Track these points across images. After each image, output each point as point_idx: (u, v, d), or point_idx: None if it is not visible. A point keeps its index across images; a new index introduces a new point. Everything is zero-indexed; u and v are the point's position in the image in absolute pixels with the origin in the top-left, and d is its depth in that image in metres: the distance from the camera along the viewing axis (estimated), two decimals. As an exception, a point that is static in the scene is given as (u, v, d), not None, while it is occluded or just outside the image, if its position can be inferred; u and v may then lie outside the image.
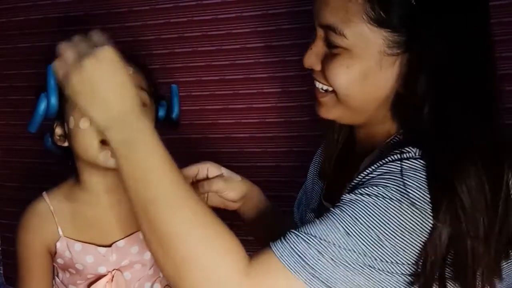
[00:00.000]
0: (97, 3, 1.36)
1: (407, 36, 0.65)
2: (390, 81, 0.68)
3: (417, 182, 0.60)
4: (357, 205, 0.61)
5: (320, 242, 0.60)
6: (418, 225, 0.59)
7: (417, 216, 0.59)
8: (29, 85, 1.48)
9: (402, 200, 0.60)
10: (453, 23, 0.65)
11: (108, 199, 0.87)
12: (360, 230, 0.60)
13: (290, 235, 0.62)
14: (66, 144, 0.85)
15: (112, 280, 0.85)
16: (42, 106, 0.79)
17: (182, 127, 1.27)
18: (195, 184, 0.87)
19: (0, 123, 1.57)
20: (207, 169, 0.88)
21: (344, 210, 0.62)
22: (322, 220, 0.63)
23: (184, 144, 1.36)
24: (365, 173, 0.66)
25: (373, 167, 0.65)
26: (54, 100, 0.78)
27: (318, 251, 0.60)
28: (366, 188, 0.63)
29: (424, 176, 0.61)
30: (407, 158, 0.63)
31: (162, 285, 0.91)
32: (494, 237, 0.61)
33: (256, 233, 0.96)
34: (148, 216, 0.62)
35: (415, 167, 0.62)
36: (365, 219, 0.60)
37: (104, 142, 0.78)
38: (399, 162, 0.63)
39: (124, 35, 1.32)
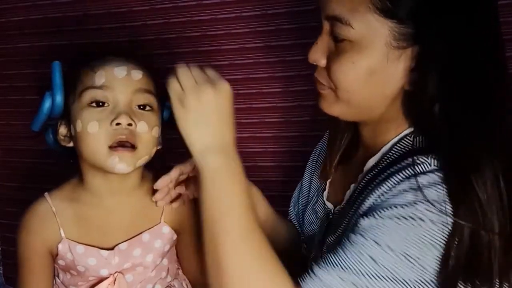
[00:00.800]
0: (97, 3, 1.36)
1: (414, 29, 0.64)
2: (396, 77, 0.67)
3: (437, 197, 0.60)
4: (380, 231, 0.61)
5: (350, 275, 0.60)
6: (443, 238, 0.60)
7: (441, 231, 0.59)
8: (29, 85, 1.48)
9: (424, 218, 0.60)
10: (465, 17, 0.63)
11: (112, 201, 0.86)
12: (389, 257, 0.60)
13: (318, 270, 0.62)
14: (71, 144, 0.84)
15: (114, 283, 0.84)
16: (47, 104, 0.78)
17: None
18: (193, 179, 0.86)
19: (0, 123, 1.57)
20: None
21: (368, 237, 0.61)
22: (347, 249, 0.62)
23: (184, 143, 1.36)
24: (377, 185, 0.65)
25: (387, 185, 0.64)
26: (59, 99, 0.77)
27: (353, 283, 0.60)
28: (385, 210, 0.62)
29: (444, 189, 0.60)
30: (423, 173, 0.62)
31: (163, 286, 0.91)
32: (509, 231, 0.61)
33: None
34: (215, 241, 0.64)
35: (433, 182, 0.61)
36: (391, 244, 0.60)
37: (112, 147, 0.77)
38: (415, 179, 0.62)
39: (124, 35, 1.32)
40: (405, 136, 0.70)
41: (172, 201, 0.89)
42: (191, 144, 0.68)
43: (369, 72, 0.66)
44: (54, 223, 0.85)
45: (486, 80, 0.64)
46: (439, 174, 0.61)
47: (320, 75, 0.72)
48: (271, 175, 1.28)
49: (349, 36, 0.66)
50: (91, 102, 0.78)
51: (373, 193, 0.65)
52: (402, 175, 0.63)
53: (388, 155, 0.71)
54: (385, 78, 0.67)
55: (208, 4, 1.26)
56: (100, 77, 0.78)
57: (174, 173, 0.85)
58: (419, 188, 0.61)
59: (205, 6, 1.27)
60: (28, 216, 0.87)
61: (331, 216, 0.79)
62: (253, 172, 1.19)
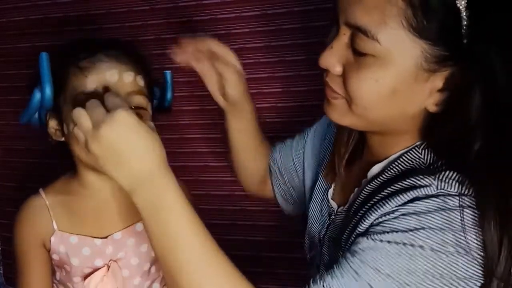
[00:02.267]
0: (97, 3, 1.36)
1: (450, 52, 0.58)
2: (421, 98, 0.62)
3: (442, 224, 0.57)
4: (380, 255, 0.58)
5: None
6: (446, 268, 0.57)
7: (449, 261, 0.57)
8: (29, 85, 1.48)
9: (425, 246, 0.57)
10: None
11: (105, 192, 0.87)
12: (387, 284, 0.58)
13: None
14: (62, 139, 0.84)
15: (108, 270, 0.85)
16: (37, 97, 0.78)
17: (182, 127, 1.28)
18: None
19: (0, 123, 1.57)
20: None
21: (367, 261, 0.59)
22: (344, 272, 0.60)
23: (184, 143, 1.36)
24: (380, 196, 0.63)
25: (390, 204, 0.61)
26: (49, 91, 0.77)
27: None
28: (385, 234, 0.59)
29: (453, 215, 0.57)
30: (428, 196, 0.59)
31: (161, 284, 0.91)
32: None
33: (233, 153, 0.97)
34: (177, 282, 0.61)
35: (437, 207, 0.58)
36: (390, 272, 0.58)
37: None
38: (418, 202, 0.59)
39: (124, 35, 1.32)
40: (414, 147, 0.66)
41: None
42: (118, 182, 0.63)
43: (393, 91, 0.61)
44: (47, 216, 0.86)
45: None
46: (445, 199, 0.58)
47: (334, 82, 0.66)
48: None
49: (373, 52, 0.59)
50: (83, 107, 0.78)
51: (375, 211, 0.62)
52: (405, 196, 0.60)
53: (394, 165, 0.68)
54: (408, 98, 0.62)
55: (208, 4, 1.27)
56: (91, 82, 0.77)
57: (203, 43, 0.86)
58: (422, 213, 0.58)
59: (205, 6, 1.27)
60: (23, 210, 0.88)
61: (333, 216, 0.79)
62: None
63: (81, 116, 0.64)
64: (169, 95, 0.91)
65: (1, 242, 1.65)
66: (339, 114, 0.67)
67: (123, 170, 0.62)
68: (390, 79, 0.60)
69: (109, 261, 0.85)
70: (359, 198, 0.70)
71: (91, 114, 0.64)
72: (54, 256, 0.86)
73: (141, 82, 0.82)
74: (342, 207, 0.77)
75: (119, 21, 1.34)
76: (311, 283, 0.61)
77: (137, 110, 0.79)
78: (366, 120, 0.65)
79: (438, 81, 0.60)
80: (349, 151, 0.78)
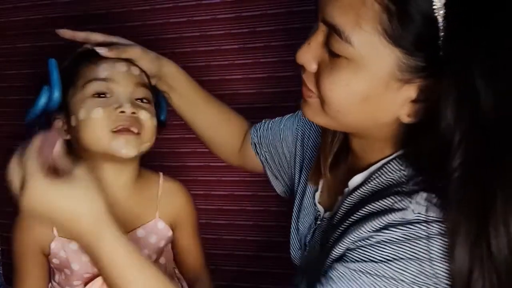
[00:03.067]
0: (97, 3, 1.36)
1: (426, 62, 0.55)
2: (394, 107, 0.59)
3: (419, 253, 0.55)
4: (352, 285, 0.57)
5: None
6: None
7: None
8: (29, 85, 1.48)
9: (403, 278, 0.55)
10: (499, 57, 0.53)
11: (106, 197, 0.86)
12: None
13: None
14: (67, 137, 0.83)
15: None
16: (43, 99, 0.78)
17: (182, 126, 1.27)
18: (112, 48, 0.81)
19: (0, 123, 1.57)
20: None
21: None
22: None
23: (184, 143, 1.36)
24: (357, 215, 0.61)
25: (366, 229, 0.59)
26: (57, 94, 0.77)
27: None
28: (360, 262, 0.57)
29: (431, 243, 0.55)
30: (405, 223, 0.56)
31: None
32: None
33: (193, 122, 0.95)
34: None
35: (415, 235, 0.55)
36: None
37: (116, 131, 0.77)
38: (395, 229, 0.56)
39: (124, 35, 1.32)
40: (396, 157, 0.63)
41: None
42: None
43: (364, 98, 0.58)
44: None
45: None
46: (420, 226, 0.55)
47: (309, 80, 0.63)
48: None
49: (346, 54, 0.57)
50: (95, 93, 0.79)
51: (352, 233, 0.60)
52: (381, 221, 0.58)
53: (374, 176, 0.65)
54: (380, 106, 0.59)
55: (208, 4, 1.27)
56: (103, 70, 0.80)
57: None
58: (396, 242, 0.56)
59: (205, 6, 1.27)
60: (22, 215, 0.85)
61: (319, 222, 0.77)
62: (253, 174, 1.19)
63: (9, 176, 0.61)
64: (164, 112, 0.92)
65: (1, 242, 1.65)
66: (313, 112, 0.65)
67: (58, 227, 0.64)
68: (361, 85, 0.57)
69: None
70: (341, 211, 0.68)
71: (13, 176, 0.61)
72: (55, 260, 0.86)
73: (146, 77, 0.84)
74: (328, 213, 0.75)
75: (119, 21, 1.34)
76: None
77: (142, 103, 0.80)
78: (339, 122, 0.63)
79: (411, 91, 0.57)
80: (334, 152, 0.75)
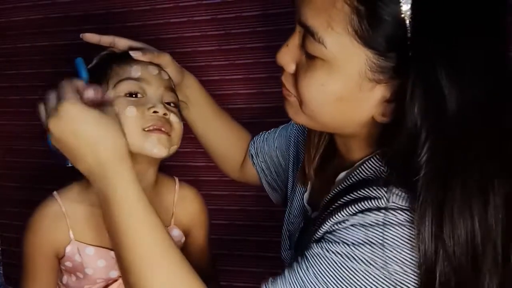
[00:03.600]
0: (97, 3, 1.36)
1: (396, 63, 0.56)
2: (367, 107, 0.61)
3: (388, 238, 0.57)
4: (323, 263, 0.59)
5: None
6: (390, 285, 0.57)
7: (385, 277, 0.57)
8: (29, 85, 1.48)
9: (372, 263, 0.57)
10: (462, 57, 0.54)
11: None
12: None
13: (269, 285, 0.62)
14: None
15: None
16: None
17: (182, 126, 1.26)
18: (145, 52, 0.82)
19: (0, 123, 1.57)
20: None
21: (310, 266, 0.60)
22: (290, 273, 0.61)
23: (184, 143, 1.36)
24: (339, 203, 0.63)
25: (343, 213, 0.60)
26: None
27: None
28: (333, 244, 0.59)
29: (401, 230, 0.57)
30: (377, 209, 0.58)
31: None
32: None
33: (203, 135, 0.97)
34: (130, 278, 0.62)
35: (385, 221, 0.57)
36: (328, 280, 0.58)
37: (149, 130, 0.76)
38: (367, 214, 0.58)
39: (124, 35, 1.32)
40: (376, 154, 0.65)
41: None
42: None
43: (338, 98, 0.60)
44: (63, 225, 0.83)
45: (489, 126, 0.56)
46: (393, 213, 0.57)
47: (287, 81, 0.65)
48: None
49: (320, 55, 0.58)
50: (127, 93, 0.78)
51: (330, 219, 0.62)
52: (357, 207, 0.60)
53: (356, 172, 0.67)
54: (354, 106, 0.61)
55: (208, 4, 1.27)
56: (136, 70, 0.79)
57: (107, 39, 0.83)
58: (369, 226, 0.58)
59: (205, 6, 1.27)
60: (37, 216, 0.84)
61: (306, 221, 0.78)
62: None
63: (40, 104, 0.65)
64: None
65: (1, 242, 1.65)
66: (294, 112, 0.67)
67: (79, 164, 0.63)
68: (335, 85, 0.59)
69: None
70: (323, 203, 0.70)
71: (47, 103, 0.64)
72: (67, 263, 0.84)
73: (173, 85, 0.84)
74: (315, 212, 0.76)
75: (119, 21, 1.34)
76: (263, 284, 0.63)
77: (171, 107, 0.80)
78: (317, 121, 0.65)
79: (384, 91, 0.59)
80: (320, 153, 0.77)
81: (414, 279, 0.57)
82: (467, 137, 0.55)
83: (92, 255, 0.83)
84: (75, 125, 0.62)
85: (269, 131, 0.99)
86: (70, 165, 0.78)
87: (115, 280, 0.84)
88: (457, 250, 0.55)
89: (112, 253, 0.83)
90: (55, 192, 0.85)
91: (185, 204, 0.91)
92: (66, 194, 0.86)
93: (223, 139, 0.97)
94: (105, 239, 0.83)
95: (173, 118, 0.79)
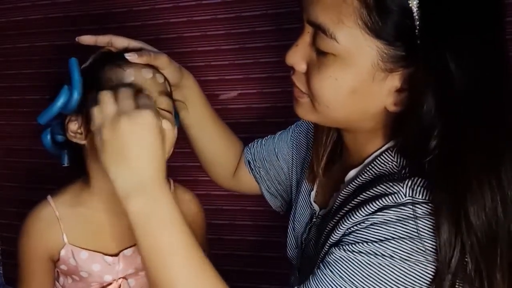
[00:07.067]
0: (97, 3, 1.36)
1: (406, 52, 0.59)
2: (380, 97, 0.62)
3: (411, 232, 0.58)
4: (348, 265, 0.59)
5: None
6: (420, 277, 0.58)
7: (415, 269, 0.58)
8: (29, 85, 1.49)
9: (395, 256, 0.58)
10: (467, 42, 0.57)
11: (118, 205, 0.85)
12: None
13: None
14: (84, 142, 0.80)
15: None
16: (62, 99, 0.75)
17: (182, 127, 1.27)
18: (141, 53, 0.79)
19: (0, 123, 1.57)
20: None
21: (335, 270, 0.60)
22: (317, 283, 0.60)
23: (184, 143, 1.36)
24: (354, 202, 0.63)
25: (360, 213, 0.61)
26: (77, 95, 0.75)
27: None
28: (356, 245, 0.59)
29: (422, 223, 0.58)
30: (396, 205, 0.59)
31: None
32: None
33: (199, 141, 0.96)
34: None
35: (406, 216, 0.58)
36: (358, 281, 0.58)
37: None
38: (387, 211, 0.59)
39: (124, 35, 1.32)
40: (388, 149, 0.66)
41: None
42: (113, 181, 0.62)
43: (352, 91, 0.61)
44: (57, 228, 0.83)
45: (492, 109, 0.59)
46: (412, 207, 0.58)
47: (299, 80, 0.66)
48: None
49: (333, 51, 0.60)
50: None
51: (347, 220, 0.62)
52: (375, 205, 0.60)
53: (368, 168, 0.67)
54: (368, 98, 0.62)
55: (208, 4, 1.27)
56: (129, 75, 0.77)
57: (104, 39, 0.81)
58: (390, 222, 0.58)
59: (205, 6, 1.27)
60: (31, 220, 0.84)
61: (314, 219, 0.78)
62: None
63: (109, 99, 0.63)
64: (177, 122, 0.91)
65: (1, 242, 1.65)
66: (304, 111, 0.68)
67: (123, 168, 0.61)
68: (349, 78, 0.61)
69: (119, 278, 0.83)
70: (336, 203, 0.70)
71: (119, 102, 0.63)
72: (62, 267, 0.84)
73: (168, 88, 0.82)
74: (323, 210, 0.76)
75: (119, 21, 1.34)
76: None
77: (164, 112, 0.78)
78: (330, 118, 0.66)
79: (396, 81, 0.61)
80: (328, 151, 0.77)
81: (433, 268, 0.58)
82: (476, 116, 0.58)
83: (86, 259, 0.82)
84: (147, 133, 0.61)
85: (266, 137, 0.98)
86: (66, 164, 0.78)
87: (110, 284, 0.84)
88: (478, 231, 0.56)
89: (106, 257, 0.83)
90: (49, 196, 0.85)
91: (182, 207, 0.90)
92: (60, 198, 0.85)
93: (217, 143, 0.96)
94: (99, 243, 0.83)
95: (166, 125, 0.76)
